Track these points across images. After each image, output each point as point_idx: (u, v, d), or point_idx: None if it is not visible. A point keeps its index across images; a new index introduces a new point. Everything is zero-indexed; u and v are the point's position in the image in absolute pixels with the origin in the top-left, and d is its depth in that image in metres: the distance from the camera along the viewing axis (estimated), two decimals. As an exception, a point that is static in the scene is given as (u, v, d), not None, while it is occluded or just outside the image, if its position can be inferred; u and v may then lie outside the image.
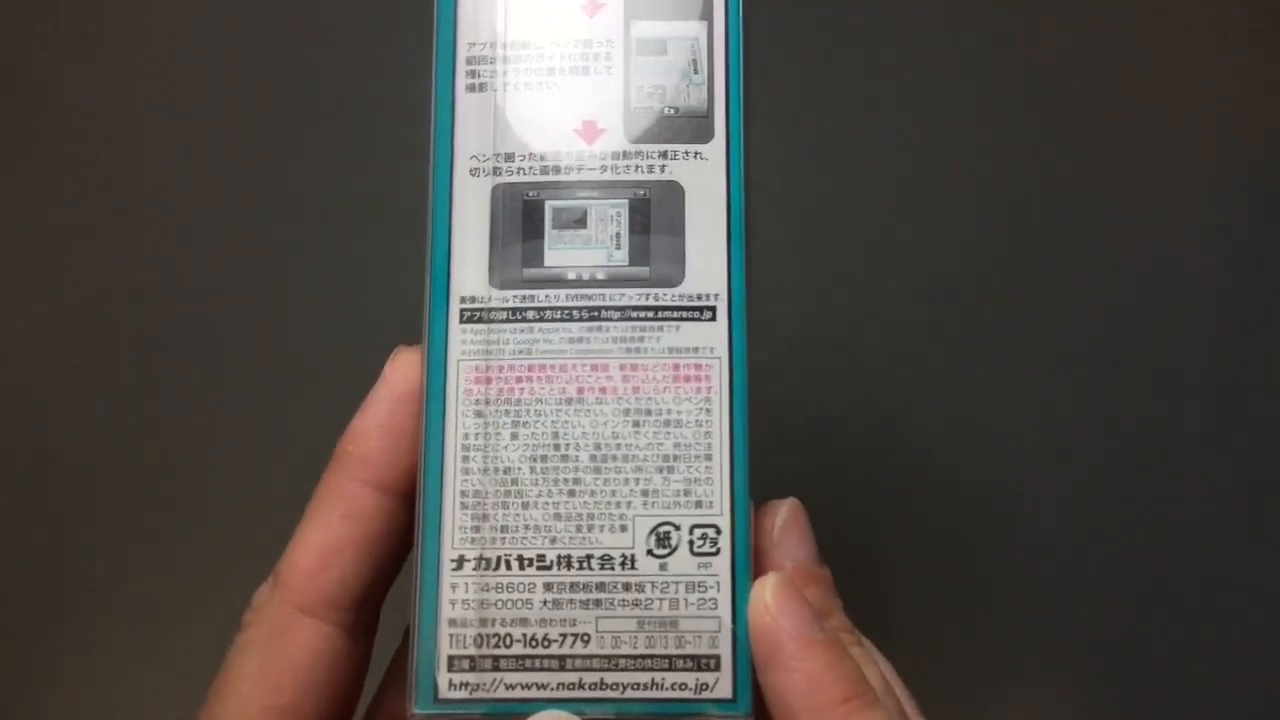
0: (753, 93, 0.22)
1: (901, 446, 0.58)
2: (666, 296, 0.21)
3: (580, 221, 0.21)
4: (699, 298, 0.21)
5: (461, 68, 0.24)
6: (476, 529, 0.20)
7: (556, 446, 0.20)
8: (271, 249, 0.56)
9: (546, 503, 0.20)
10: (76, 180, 0.56)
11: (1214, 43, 0.59)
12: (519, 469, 0.20)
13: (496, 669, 0.20)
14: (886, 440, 0.58)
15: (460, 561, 0.20)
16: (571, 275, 0.21)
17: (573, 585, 0.20)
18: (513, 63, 0.23)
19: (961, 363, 0.58)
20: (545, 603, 0.20)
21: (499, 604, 0.20)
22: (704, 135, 0.21)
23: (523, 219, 0.22)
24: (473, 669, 0.20)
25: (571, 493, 0.20)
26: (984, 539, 0.57)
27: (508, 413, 0.21)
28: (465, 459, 0.20)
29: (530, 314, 0.21)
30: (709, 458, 0.21)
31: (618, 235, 0.21)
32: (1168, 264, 0.59)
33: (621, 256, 0.21)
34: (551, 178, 0.22)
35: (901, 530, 0.57)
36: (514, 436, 0.20)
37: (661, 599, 0.20)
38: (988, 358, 0.58)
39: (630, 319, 0.21)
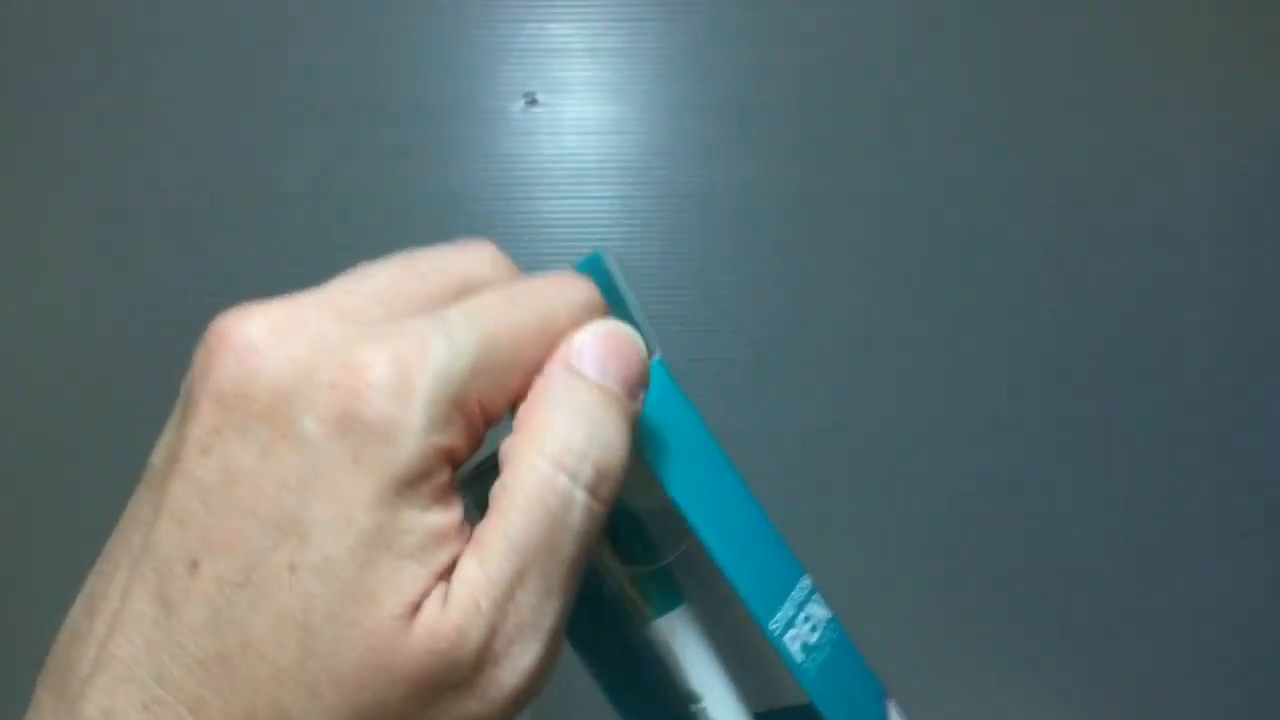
0: None
1: (904, 444, 0.58)
2: None
3: None
4: None
5: None
6: None
7: None
8: (271, 248, 0.56)
9: None
10: (74, 179, 0.56)
11: (1214, 42, 0.59)
12: None
13: None
14: (887, 438, 0.58)
15: None
16: None
17: None
18: None
19: (963, 363, 0.58)
20: None
21: None
22: None
23: None
24: None
25: None
26: (986, 539, 0.57)
27: None
28: None
29: None
30: None
31: None
32: (1168, 263, 0.59)
33: None
34: None
35: (905, 529, 0.58)
36: None
37: None
38: (989, 359, 0.58)
39: None
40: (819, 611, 0.24)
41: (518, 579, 0.19)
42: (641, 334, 0.22)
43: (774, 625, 0.23)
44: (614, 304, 0.23)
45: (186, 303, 0.56)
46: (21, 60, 0.56)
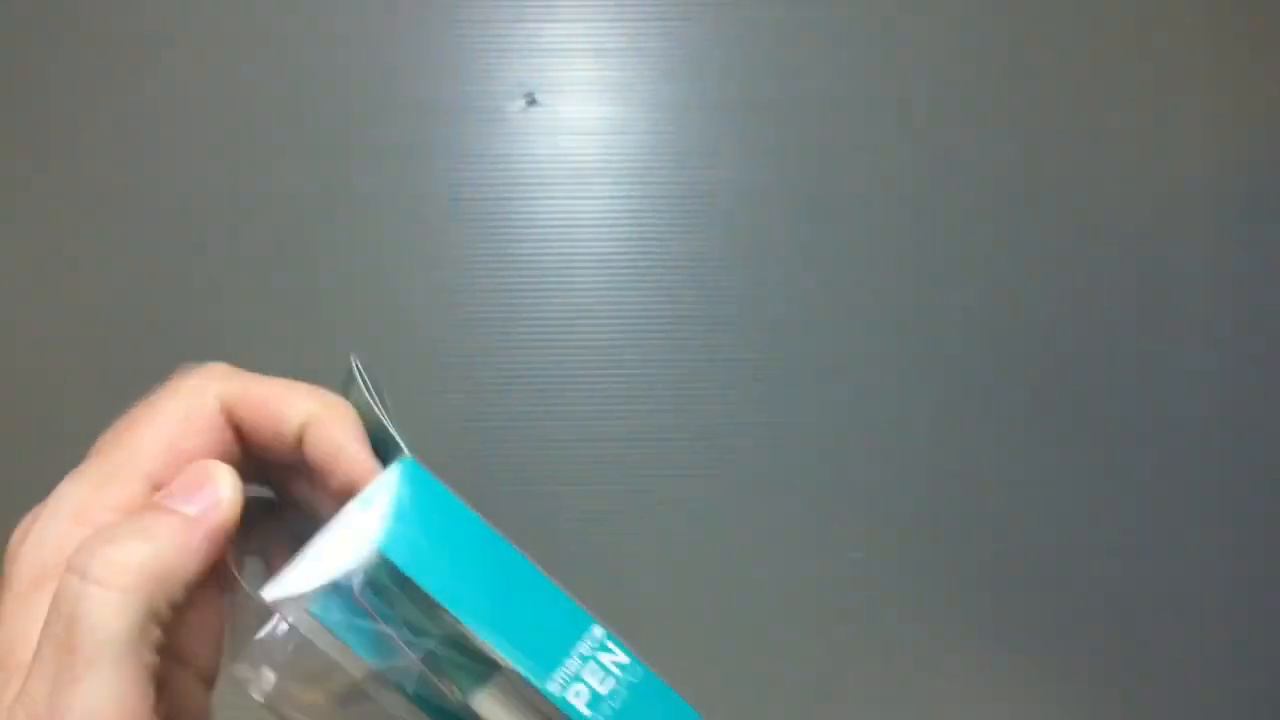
0: None
1: (904, 444, 0.58)
2: None
3: None
4: None
5: None
6: None
7: None
8: (272, 248, 0.56)
9: None
10: (72, 179, 0.56)
11: (1215, 43, 0.59)
12: None
13: None
14: (888, 437, 0.58)
15: None
16: None
17: None
18: None
19: (964, 363, 0.58)
20: None
21: None
22: None
23: None
24: None
25: None
26: (987, 541, 0.58)
27: None
28: None
29: None
30: None
31: None
32: (1168, 264, 0.59)
33: None
34: None
35: (905, 528, 0.58)
36: None
37: None
38: (990, 358, 0.58)
39: None
40: (613, 659, 0.25)
41: (50, 688, 0.21)
42: (390, 434, 0.25)
43: (551, 684, 0.24)
44: (363, 408, 0.26)
45: (186, 303, 0.55)
46: (22, 60, 0.56)
